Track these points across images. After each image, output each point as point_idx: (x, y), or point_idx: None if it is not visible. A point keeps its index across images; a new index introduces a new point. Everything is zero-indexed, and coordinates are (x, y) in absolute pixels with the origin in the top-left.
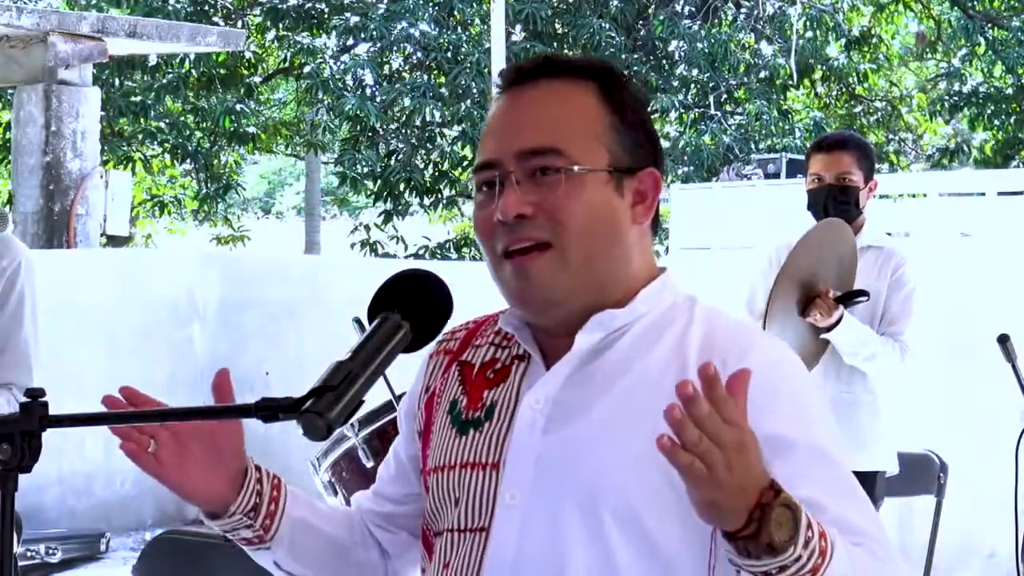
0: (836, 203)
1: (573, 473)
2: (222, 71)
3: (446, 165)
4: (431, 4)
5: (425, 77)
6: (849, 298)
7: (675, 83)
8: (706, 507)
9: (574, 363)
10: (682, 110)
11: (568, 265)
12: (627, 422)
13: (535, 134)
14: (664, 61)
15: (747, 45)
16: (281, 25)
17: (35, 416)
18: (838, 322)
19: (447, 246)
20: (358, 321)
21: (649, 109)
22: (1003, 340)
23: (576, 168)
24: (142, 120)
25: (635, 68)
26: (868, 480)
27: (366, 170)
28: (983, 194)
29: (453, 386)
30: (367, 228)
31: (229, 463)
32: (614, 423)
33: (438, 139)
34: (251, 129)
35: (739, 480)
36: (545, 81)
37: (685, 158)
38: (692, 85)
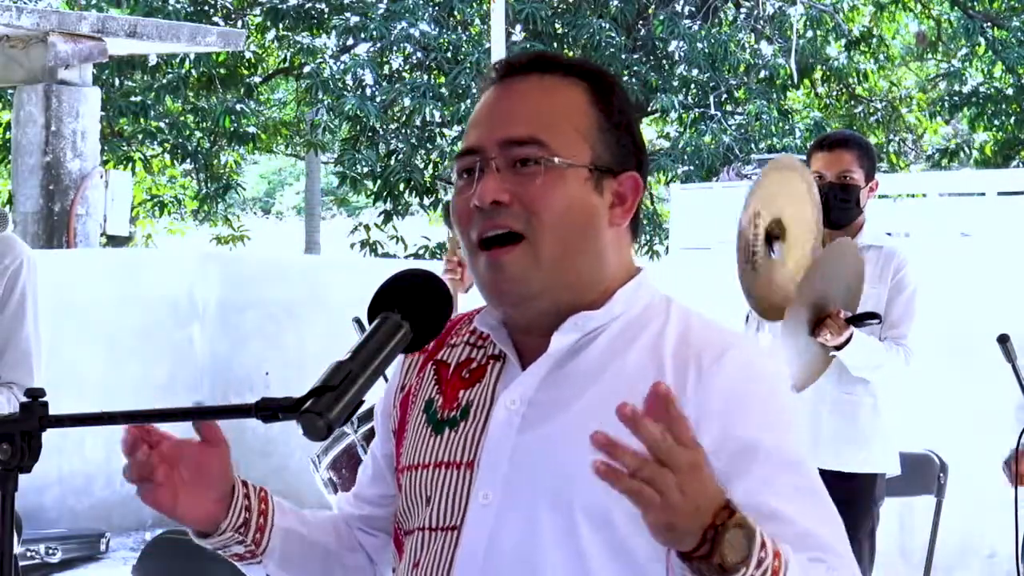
0: (837, 201)
1: (547, 473)
2: (222, 71)
3: (446, 165)
4: (431, 4)
5: (425, 77)
6: (860, 319)
7: (675, 83)
8: (660, 530)
9: (550, 364)
10: (682, 110)
11: (541, 259)
12: (602, 423)
13: (519, 124)
14: (664, 61)
15: (747, 45)
16: (281, 25)
17: (35, 416)
18: (848, 341)
19: (447, 246)
20: (358, 321)
21: (649, 109)
22: (1003, 340)
23: (557, 160)
24: (142, 120)
25: (635, 68)
26: (868, 482)
27: (366, 170)
28: (983, 194)
29: (428, 385)
30: (367, 228)
31: (217, 484)
32: (589, 423)
33: (438, 139)
34: (251, 129)
35: (693, 502)
36: (536, 76)
37: (685, 158)
38: (692, 85)
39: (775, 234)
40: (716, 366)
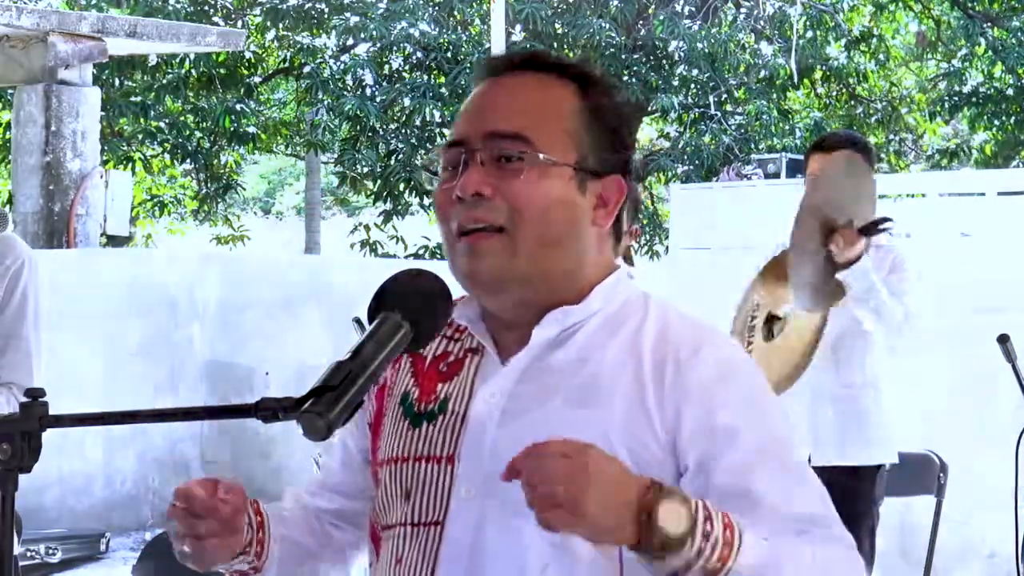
0: None
1: None
2: (222, 71)
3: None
4: (431, 4)
5: (425, 77)
6: (874, 227)
7: (675, 83)
8: (593, 538)
9: (530, 357)
10: (682, 110)
11: (519, 252)
12: (582, 416)
13: (507, 119)
14: (664, 61)
15: (747, 45)
16: (281, 25)
17: (35, 416)
18: (858, 258)
19: None
20: (358, 321)
21: (649, 109)
22: (1003, 340)
23: (541, 156)
24: (142, 120)
25: (635, 68)
26: (870, 475)
27: (366, 170)
28: (983, 194)
29: (404, 378)
30: (367, 228)
31: (236, 526)
32: (569, 417)
33: (438, 139)
34: (251, 129)
35: (603, 500)
36: (529, 73)
37: (685, 158)
38: (692, 85)
39: (776, 316)
40: (694, 359)
